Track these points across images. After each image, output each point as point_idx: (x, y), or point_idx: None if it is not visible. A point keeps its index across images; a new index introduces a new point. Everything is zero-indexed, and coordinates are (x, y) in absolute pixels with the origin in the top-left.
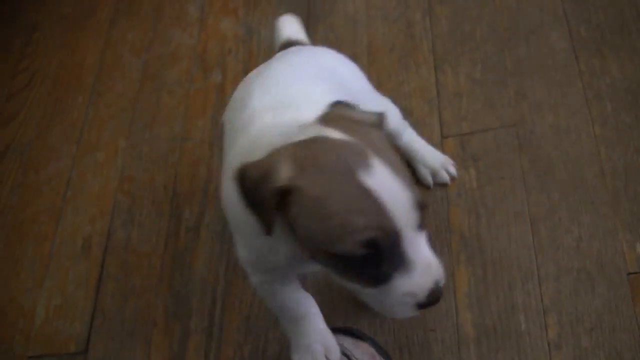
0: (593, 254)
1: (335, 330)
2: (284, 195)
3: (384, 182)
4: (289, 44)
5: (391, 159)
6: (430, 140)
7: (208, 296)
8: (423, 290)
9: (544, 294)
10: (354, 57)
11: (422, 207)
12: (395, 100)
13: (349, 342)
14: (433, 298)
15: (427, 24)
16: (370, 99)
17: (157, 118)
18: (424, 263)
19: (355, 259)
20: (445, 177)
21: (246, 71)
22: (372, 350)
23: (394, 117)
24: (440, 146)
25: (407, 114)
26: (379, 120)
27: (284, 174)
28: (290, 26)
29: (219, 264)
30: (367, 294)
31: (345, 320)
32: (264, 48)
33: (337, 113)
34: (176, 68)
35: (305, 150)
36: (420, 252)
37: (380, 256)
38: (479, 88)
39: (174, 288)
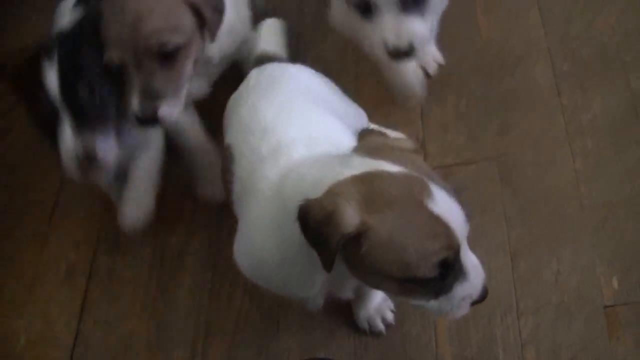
0: (571, 288)
1: None
2: (354, 236)
3: (446, 206)
4: (265, 58)
5: (440, 182)
6: None
7: (191, 325)
8: (477, 291)
9: (523, 327)
10: (341, 87)
11: (469, 218)
12: None
13: None
14: (484, 293)
15: None
16: (348, 108)
17: None
18: (474, 267)
19: (427, 280)
20: None
21: None
22: None
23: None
24: None
25: None
26: (416, 145)
27: (353, 219)
28: (269, 37)
29: (203, 292)
30: (428, 305)
31: (327, 352)
32: None
33: (374, 141)
34: None
35: (368, 187)
36: (470, 258)
37: (447, 271)
38: (464, 121)
39: (157, 317)
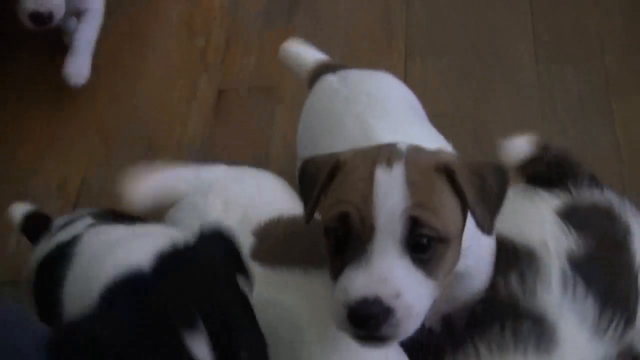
0: None
1: None
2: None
3: (388, 181)
4: (324, 67)
5: (419, 182)
6: None
7: None
8: (356, 293)
9: None
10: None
11: (414, 225)
12: None
13: None
14: (364, 309)
15: (404, 14)
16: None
17: (142, 75)
18: (377, 273)
19: (332, 237)
20: None
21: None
22: None
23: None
24: None
25: None
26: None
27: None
28: (307, 50)
29: None
30: (332, 292)
31: None
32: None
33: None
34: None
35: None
36: (381, 263)
37: (346, 241)
38: (444, 79)
39: None
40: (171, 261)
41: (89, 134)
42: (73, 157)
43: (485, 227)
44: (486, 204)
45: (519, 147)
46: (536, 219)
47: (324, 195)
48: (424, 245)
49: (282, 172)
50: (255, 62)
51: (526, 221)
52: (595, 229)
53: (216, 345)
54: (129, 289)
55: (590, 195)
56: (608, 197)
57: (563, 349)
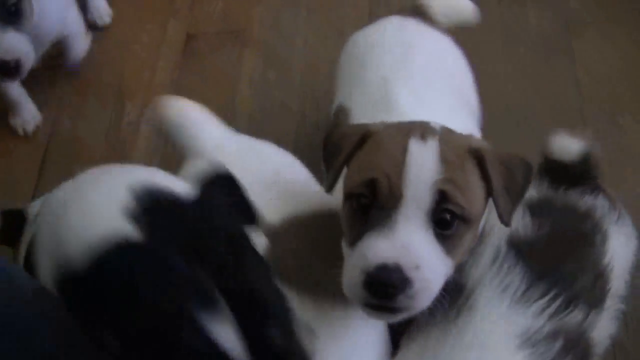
0: None
1: None
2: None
3: (421, 153)
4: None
5: (450, 159)
6: None
7: None
8: (376, 258)
9: None
10: None
11: (441, 199)
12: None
13: None
14: (383, 276)
15: None
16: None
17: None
18: (400, 241)
19: (355, 203)
20: None
21: None
22: None
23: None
24: None
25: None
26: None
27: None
28: None
29: (155, 156)
30: (347, 258)
31: None
32: None
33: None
34: None
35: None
36: (406, 232)
37: (369, 208)
38: None
39: None
40: (172, 222)
41: (58, 80)
42: (42, 104)
43: (505, 217)
44: (510, 194)
45: (568, 147)
46: None
47: (347, 165)
48: (448, 222)
49: (250, 115)
50: (223, 6)
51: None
52: (556, 220)
53: (244, 328)
54: (117, 263)
55: (574, 197)
56: (593, 203)
57: (477, 311)
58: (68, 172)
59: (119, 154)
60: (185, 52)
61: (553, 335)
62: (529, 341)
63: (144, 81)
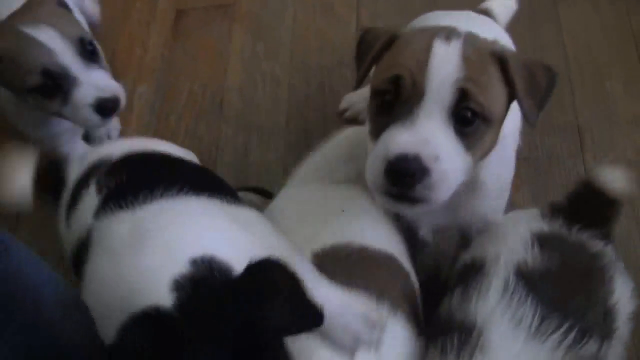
0: None
1: (248, 189)
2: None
3: (444, 53)
4: None
5: (473, 60)
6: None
7: None
8: (397, 148)
9: None
10: None
11: (462, 96)
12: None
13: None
14: (402, 165)
15: None
16: None
17: None
18: (421, 132)
19: (380, 99)
20: None
21: None
22: None
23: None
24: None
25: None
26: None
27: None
28: None
29: (147, 132)
30: (371, 151)
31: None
32: None
33: None
34: None
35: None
36: (427, 125)
37: (394, 104)
38: None
39: None
40: (212, 304)
41: None
42: None
43: (531, 117)
44: (533, 97)
45: (617, 180)
46: (506, 236)
47: (376, 64)
48: (468, 119)
49: (240, 88)
50: None
51: (497, 239)
52: (566, 255)
53: None
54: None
55: (585, 238)
56: (603, 247)
57: (493, 350)
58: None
59: None
60: (175, 27)
61: None
62: None
63: (135, 58)
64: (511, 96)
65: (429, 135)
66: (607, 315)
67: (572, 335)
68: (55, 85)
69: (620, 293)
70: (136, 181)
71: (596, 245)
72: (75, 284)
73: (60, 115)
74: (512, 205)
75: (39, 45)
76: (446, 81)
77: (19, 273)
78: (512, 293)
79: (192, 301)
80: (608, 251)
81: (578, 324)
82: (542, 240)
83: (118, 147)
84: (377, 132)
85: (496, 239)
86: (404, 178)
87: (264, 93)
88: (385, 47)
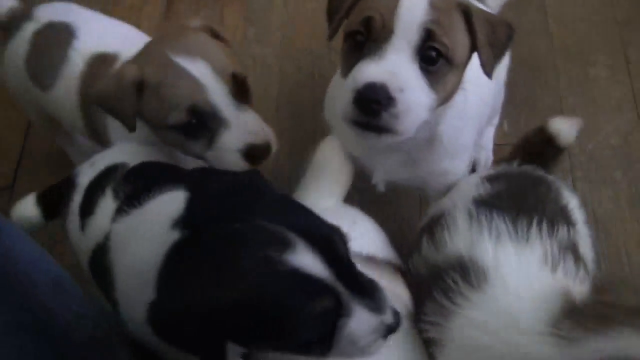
0: None
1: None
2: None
3: None
4: None
5: (440, 7)
6: None
7: None
8: (366, 78)
9: None
10: None
11: (428, 37)
12: None
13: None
14: (369, 93)
15: None
16: None
17: None
18: (388, 65)
19: (352, 40)
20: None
21: None
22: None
23: None
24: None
25: None
26: None
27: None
28: None
29: None
30: (343, 87)
31: None
32: None
33: None
34: None
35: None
36: (394, 60)
37: (364, 44)
38: None
39: None
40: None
41: None
42: None
43: (488, 68)
44: (492, 48)
45: (568, 132)
46: (458, 187)
47: (347, 18)
48: (433, 58)
49: None
50: None
51: (451, 193)
52: (512, 180)
53: (328, 257)
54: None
55: (528, 168)
56: (546, 174)
57: (496, 271)
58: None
59: None
60: (167, 13)
61: (562, 252)
62: (553, 263)
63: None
64: (473, 47)
65: (395, 68)
66: (564, 210)
67: (544, 225)
68: (201, 125)
69: (569, 198)
70: (152, 185)
71: (539, 171)
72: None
73: (199, 157)
74: None
75: (191, 79)
76: (414, 22)
77: (11, 252)
78: (478, 215)
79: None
80: (551, 177)
81: (543, 216)
82: (490, 179)
83: (127, 151)
84: (348, 70)
85: (450, 194)
86: (372, 106)
87: (254, 78)
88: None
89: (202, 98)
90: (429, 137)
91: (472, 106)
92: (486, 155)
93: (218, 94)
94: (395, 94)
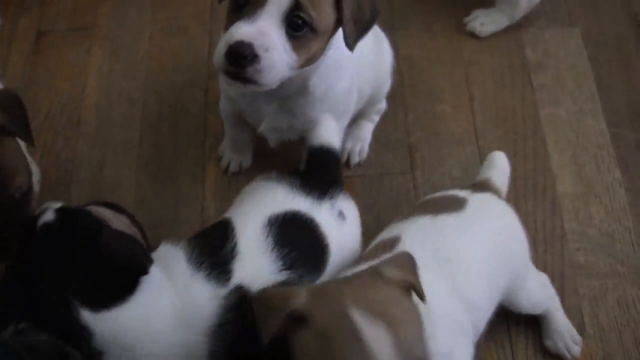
0: None
1: (99, 203)
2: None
3: None
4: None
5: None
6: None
7: None
8: (237, 35)
9: None
10: None
11: (296, 6)
12: None
13: (109, 213)
14: (238, 48)
15: None
16: None
17: None
18: (258, 27)
19: (235, 2)
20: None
21: None
22: (127, 221)
23: None
24: (206, 62)
25: None
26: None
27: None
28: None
29: None
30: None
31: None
32: None
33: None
34: None
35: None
36: (264, 23)
37: (243, 7)
38: None
39: None
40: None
41: None
42: None
43: (350, 43)
44: (356, 24)
45: (503, 168)
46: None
47: None
48: (299, 25)
49: (97, 104)
50: (72, 3)
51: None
52: None
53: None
54: None
55: None
56: None
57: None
58: None
59: None
60: (36, 47)
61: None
62: None
63: None
64: (340, 21)
65: (264, 30)
66: None
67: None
68: None
69: None
70: None
71: None
72: None
73: None
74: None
75: (363, 348)
76: None
77: None
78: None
79: None
80: None
81: None
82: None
83: None
84: (228, 26)
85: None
86: (239, 60)
87: (119, 111)
88: None
89: None
90: (299, 90)
91: (344, 69)
92: (361, 147)
93: None
94: (260, 52)
